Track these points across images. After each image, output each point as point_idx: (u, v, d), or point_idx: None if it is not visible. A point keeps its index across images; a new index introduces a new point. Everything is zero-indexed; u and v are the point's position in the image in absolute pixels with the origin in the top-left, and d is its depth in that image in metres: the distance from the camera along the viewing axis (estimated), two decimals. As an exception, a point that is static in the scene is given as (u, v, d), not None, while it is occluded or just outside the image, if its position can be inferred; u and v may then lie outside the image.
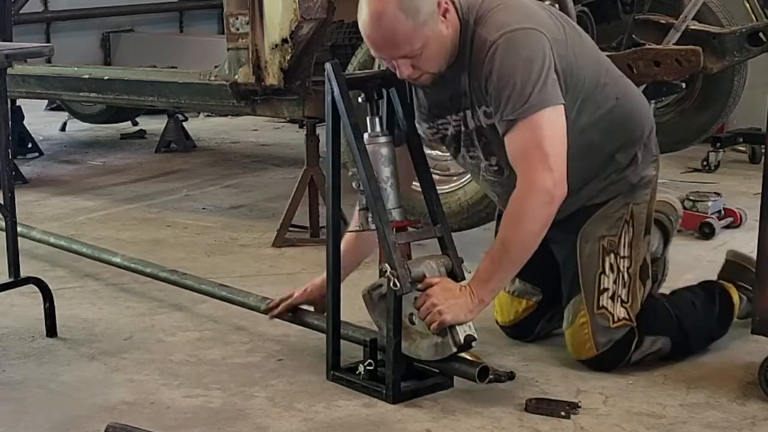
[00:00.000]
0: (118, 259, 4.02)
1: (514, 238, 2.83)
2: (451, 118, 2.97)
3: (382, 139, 2.94)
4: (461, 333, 2.83)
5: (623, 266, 3.03)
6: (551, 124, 2.77)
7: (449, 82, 2.90)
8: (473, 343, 2.84)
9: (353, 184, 2.93)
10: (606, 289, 3.02)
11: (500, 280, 2.90)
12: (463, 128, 2.96)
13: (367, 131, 2.95)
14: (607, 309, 3.01)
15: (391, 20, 2.71)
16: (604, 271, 3.02)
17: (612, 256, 3.02)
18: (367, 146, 2.91)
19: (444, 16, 2.79)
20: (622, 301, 3.02)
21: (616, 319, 3.01)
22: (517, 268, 2.89)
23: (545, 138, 2.76)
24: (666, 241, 3.43)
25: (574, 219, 3.03)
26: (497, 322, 3.32)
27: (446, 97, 2.94)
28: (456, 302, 2.81)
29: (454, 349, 2.83)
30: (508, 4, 2.86)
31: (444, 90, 2.93)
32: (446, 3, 2.80)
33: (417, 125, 3.04)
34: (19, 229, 4.39)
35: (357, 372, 2.97)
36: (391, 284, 2.80)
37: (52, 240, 4.37)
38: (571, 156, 2.85)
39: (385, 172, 2.92)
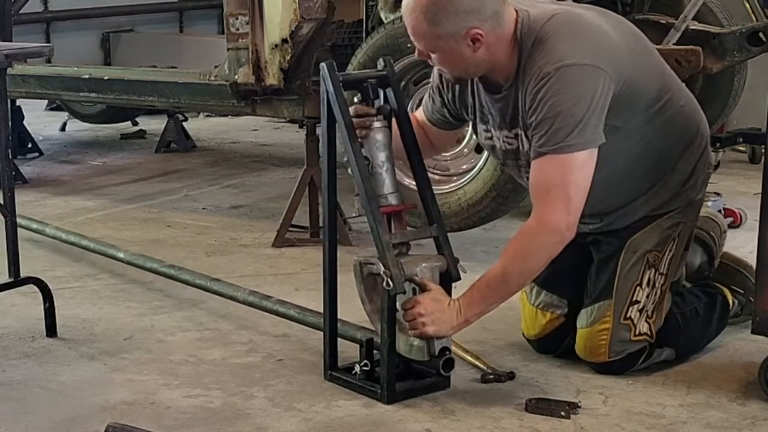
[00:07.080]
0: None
1: (516, 271, 2.85)
2: (502, 133, 2.95)
3: (377, 124, 2.92)
4: (438, 345, 2.85)
5: (659, 282, 3.02)
6: (581, 169, 2.76)
7: (509, 98, 2.88)
8: (447, 352, 2.86)
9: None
10: (637, 302, 3.00)
11: (491, 305, 2.90)
12: (520, 146, 2.92)
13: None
14: (632, 321, 3.00)
15: (415, 18, 2.79)
16: (641, 284, 3.00)
17: (652, 271, 3.01)
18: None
19: (473, 43, 2.76)
20: (648, 316, 3.01)
21: (637, 333, 3.01)
22: (510, 297, 2.92)
23: (572, 183, 2.76)
24: (711, 259, 3.36)
25: (627, 227, 3.02)
26: (524, 335, 3.24)
27: (506, 112, 2.91)
28: (441, 317, 2.82)
29: (426, 358, 2.86)
30: (572, 30, 2.79)
31: (504, 104, 2.90)
32: (480, 36, 2.75)
33: (474, 124, 3.06)
34: (34, 226, 4.48)
35: (353, 372, 2.97)
36: (384, 284, 2.80)
37: (62, 236, 4.41)
38: (639, 159, 2.89)
39: (381, 156, 2.90)
